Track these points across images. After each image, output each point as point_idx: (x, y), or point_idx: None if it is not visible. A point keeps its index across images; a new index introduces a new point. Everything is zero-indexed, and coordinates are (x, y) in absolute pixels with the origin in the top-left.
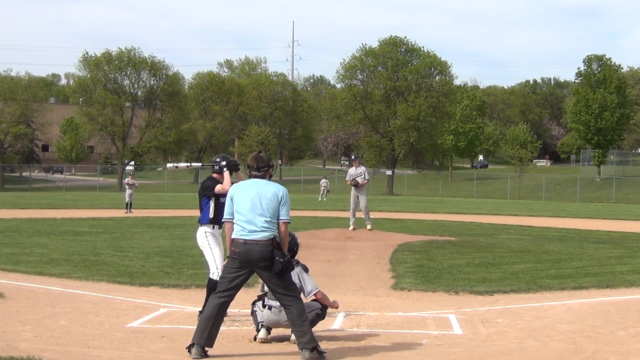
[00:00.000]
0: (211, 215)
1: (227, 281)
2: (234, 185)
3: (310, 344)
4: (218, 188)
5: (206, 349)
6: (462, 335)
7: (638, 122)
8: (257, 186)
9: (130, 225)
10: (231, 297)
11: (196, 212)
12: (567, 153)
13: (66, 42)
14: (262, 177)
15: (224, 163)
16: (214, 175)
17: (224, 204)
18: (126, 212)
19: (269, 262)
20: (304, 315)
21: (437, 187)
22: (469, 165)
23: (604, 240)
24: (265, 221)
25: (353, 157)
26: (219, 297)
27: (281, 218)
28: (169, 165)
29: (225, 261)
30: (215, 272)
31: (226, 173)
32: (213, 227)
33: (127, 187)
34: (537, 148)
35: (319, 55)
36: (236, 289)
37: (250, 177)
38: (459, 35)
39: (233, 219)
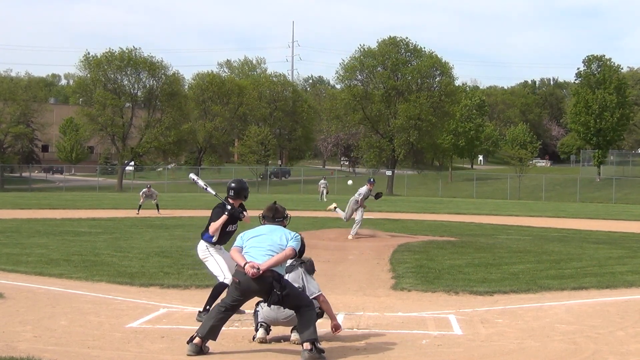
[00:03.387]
0: (214, 240)
1: (230, 299)
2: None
3: (311, 337)
4: (211, 229)
5: (207, 345)
6: (462, 335)
7: (638, 122)
8: (269, 229)
9: (130, 226)
10: (233, 311)
11: (195, 213)
12: (567, 153)
13: (66, 43)
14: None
15: (229, 207)
16: (229, 198)
17: (229, 231)
18: (137, 214)
19: (267, 294)
20: (310, 313)
21: (437, 188)
22: (469, 166)
23: (604, 241)
24: (271, 249)
25: (372, 180)
26: (221, 309)
27: (289, 244)
28: (191, 175)
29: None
30: (221, 276)
31: (223, 218)
32: (214, 245)
33: (144, 195)
34: (537, 148)
35: (319, 56)
36: (238, 306)
37: (264, 223)
38: (459, 35)
39: (240, 247)
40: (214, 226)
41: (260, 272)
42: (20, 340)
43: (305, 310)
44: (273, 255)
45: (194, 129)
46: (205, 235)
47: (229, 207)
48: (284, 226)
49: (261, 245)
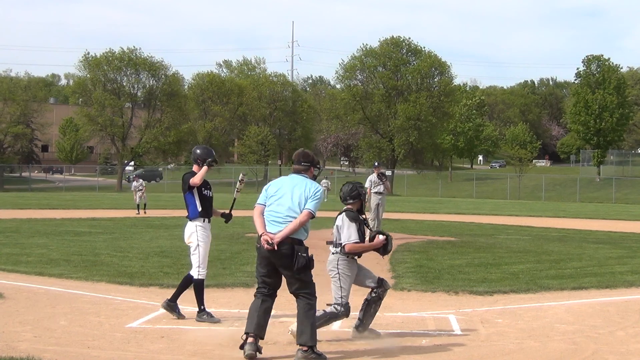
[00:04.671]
0: (199, 209)
1: (260, 278)
2: (272, 181)
3: (308, 343)
4: (195, 179)
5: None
6: (461, 335)
7: (637, 122)
8: (292, 181)
9: (129, 226)
10: (269, 295)
11: None
12: (566, 153)
13: (66, 43)
14: (301, 171)
15: (209, 160)
16: (194, 167)
17: (207, 196)
18: (137, 214)
19: (288, 260)
20: (309, 314)
21: (436, 188)
22: (469, 166)
23: (604, 241)
24: (289, 215)
25: (376, 164)
26: (259, 294)
27: (305, 207)
28: (242, 174)
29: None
30: (196, 270)
31: (205, 169)
32: (203, 221)
33: (135, 190)
34: (537, 148)
35: (319, 56)
36: (271, 286)
37: (293, 172)
38: (459, 35)
39: (263, 205)
40: (198, 177)
41: (275, 247)
42: (20, 340)
43: (306, 302)
44: (293, 213)
45: (193, 129)
46: (191, 213)
47: (209, 159)
48: (314, 176)
49: (279, 210)
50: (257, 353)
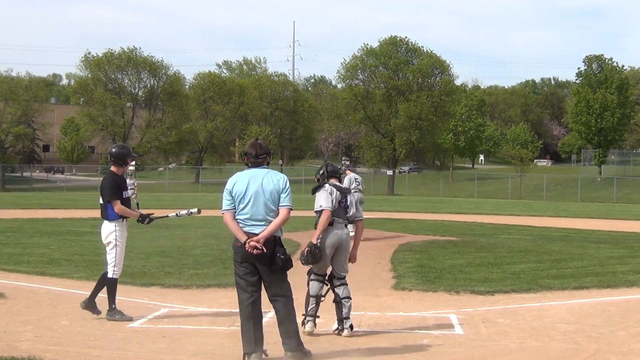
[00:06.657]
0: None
1: (242, 280)
2: (233, 177)
3: (298, 347)
4: (118, 209)
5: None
6: (463, 335)
7: (639, 122)
8: (257, 177)
9: (130, 226)
10: (256, 294)
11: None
12: (568, 153)
13: (67, 43)
14: (261, 164)
15: (147, 219)
16: (112, 168)
17: (125, 198)
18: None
19: (269, 259)
20: (292, 316)
21: (437, 187)
22: (470, 165)
23: (605, 240)
24: (268, 214)
25: (348, 164)
26: (245, 298)
27: (282, 204)
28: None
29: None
30: (111, 270)
31: (133, 214)
32: (122, 221)
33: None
34: (538, 148)
35: (320, 55)
36: (256, 285)
37: (248, 164)
38: (460, 35)
39: (233, 209)
40: (122, 211)
41: (265, 249)
42: (21, 340)
43: (289, 305)
44: (271, 211)
45: (194, 128)
46: (111, 216)
47: (147, 219)
48: (268, 162)
49: (257, 210)
50: (264, 355)
